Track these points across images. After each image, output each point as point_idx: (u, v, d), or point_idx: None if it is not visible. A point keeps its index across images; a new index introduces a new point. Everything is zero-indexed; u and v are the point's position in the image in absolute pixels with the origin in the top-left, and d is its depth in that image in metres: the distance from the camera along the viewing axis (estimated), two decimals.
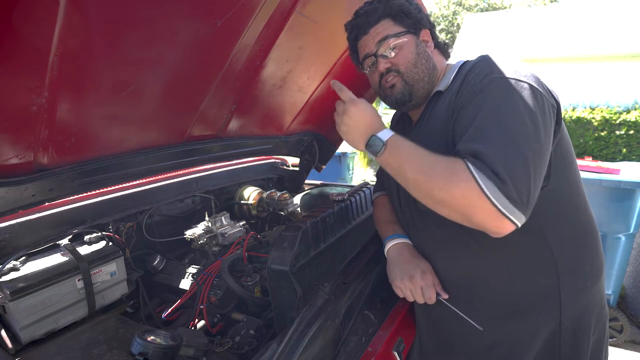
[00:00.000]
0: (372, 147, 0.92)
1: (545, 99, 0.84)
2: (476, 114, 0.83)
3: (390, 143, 0.90)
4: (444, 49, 1.11)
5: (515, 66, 0.88)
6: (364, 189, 1.55)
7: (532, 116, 0.80)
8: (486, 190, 0.74)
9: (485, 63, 0.91)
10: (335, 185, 2.36)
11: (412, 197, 1.09)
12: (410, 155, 0.87)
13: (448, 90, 0.98)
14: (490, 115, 0.81)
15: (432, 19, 1.10)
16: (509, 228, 0.77)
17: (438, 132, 0.96)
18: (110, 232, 1.54)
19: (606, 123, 7.66)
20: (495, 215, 0.75)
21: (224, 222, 1.71)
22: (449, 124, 0.92)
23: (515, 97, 0.81)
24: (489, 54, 0.95)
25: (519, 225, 0.77)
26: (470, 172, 0.76)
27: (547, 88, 0.87)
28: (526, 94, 0.82)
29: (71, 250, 1.25)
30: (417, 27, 1.03)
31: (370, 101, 2.08)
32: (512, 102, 0.81)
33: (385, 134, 0.91)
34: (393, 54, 1.01)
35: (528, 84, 0.84)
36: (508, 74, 0.85)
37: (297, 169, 2.45)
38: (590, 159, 2.98)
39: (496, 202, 0.74)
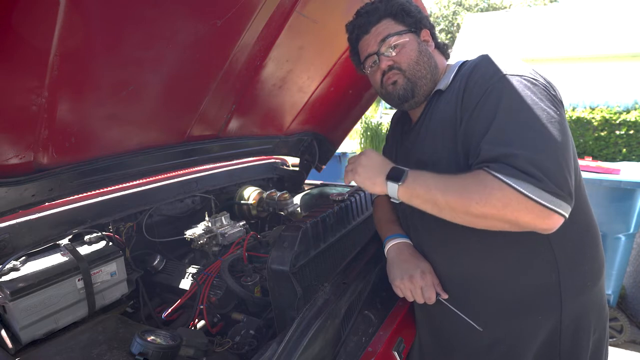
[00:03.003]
0: (394, 176, 0.91)
1: (555, 93, 0.86)
2: (493, 115, 0.83)
3: (410, 172, 0.91)
4: (443, 50, 1.12)
5: (518, 64, 0.89)
6: None
7: (549, 109, 0.81)
8: (524, 191, 0.74)
9: (489, 62, 0.91)
10: (335, 185, 2.36)
11: None
12: (434, 180, 0.87)
13: (449, 89, 0.99)
14: (508, 114, 0.81)
15: (432, 19, 1.10)
16: (558, 221, 0.77)
17: (442, 130, 0.96)
18: (110, 232, 1.54)
19: (606, 123, 7.66)
20: (543, 212, 0.75)
21: (224, 222, 1.71)
22: (456, 122, 0.92)
23: (529, 93, 0.82)
24: (489, 53, 0.95)
25: (567, 215, 0.77)
26: (499, 179, 0.76)
27: (553, 84, 0.89)
28: (537, 89, 0.84)
29: (71, 250, 1.25)
30: (417, 26, 1.04)
31: (371, 101, 2.10)
32: (526, 98, 0.81)
33: (403, 168, 0.92)
34: (394, 53, 1.01)
35: (536, 80, 0.86)
36: (515, 71, 0.86)
37: (297, 169, 2.45)
38: (590, 159, 2.98)
39: (539, 200, 0.74)
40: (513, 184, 0.75)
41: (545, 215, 0.75)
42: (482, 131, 0.83)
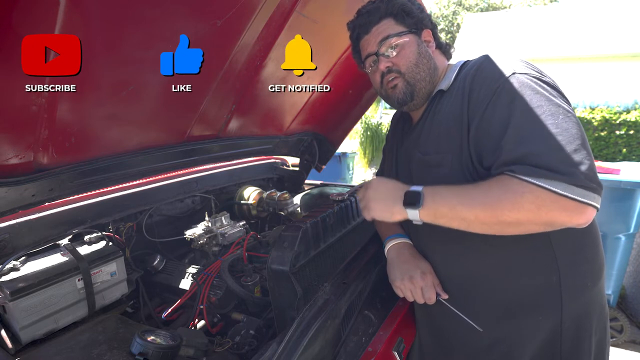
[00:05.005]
0: (411, 201, 0.88)
1: (559, 89, 0.87)
2: (507, 114, 0.82)
3: (427, 191, 0.87)
4: (445, 50, 1.11)
5: (523, 63, 0.90)
6: None
7: (563, 105, 0.81)
8: (556, 190, 0.73)
9: (493, 61, 0.91)
10: (335, 185, 2.36)
11: None
12: (455, 194, 0.84)
13: (451, 88, 0.98)
14: (524, 112, 0.80)
15: (432, 19, 1.10)
16: (592, 214, 0.76)
17: (446, 130, 0.95)
18: (110, 232, 1.54)
19: (606, 123, 7.66)
20: (578, 208, 0.74)
21: (224, 222, 1.71)
22: (462, 123, 0.91)
23: (540, 89, 0.83)
24: (489, 53, 0.95)
25: (599, 207, 0.76)
26: (528, 181, 0.75)
27: (555, 81, 0.90)
28: (547, 86, 0.84)
29: (71, 250, 1.25)
30: (418, 26, 1.03)
31: (371, 101, 2.10)
32: (539, 95, 0.82)
33: (417, 188, 0.89)
34: (394, 53, 1.01)
35: (543, 77, 0.86)
36: (522, 70, 0.87)
37: (297, 169, 2.45)
38: None
39: (573, 195, 0.73)
40: (543, 184, 0.74)
41: (581, 210, 0.74)
42: (499, 131, 0.82)
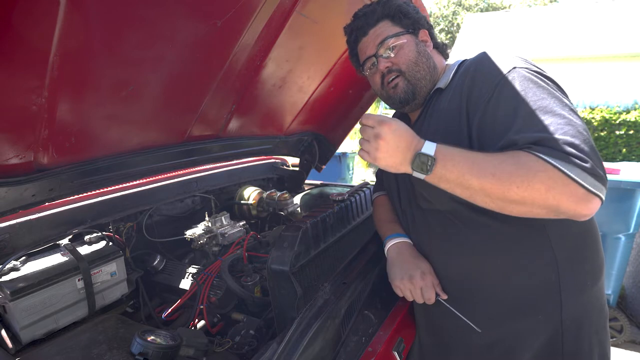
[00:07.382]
0: (420, 165, 0.82)
1: (559, 84, 0.88)
2: (513, 106, 0.82)
3: (440, 155, 0.81)
4: (442, 49, 1.12)
5: (521, 58, 0.91)
6: (364, 189, 1.55)
7: (563, 98, 0.82)
8: (571, 174, 0.72)
9: (493, 57, 0.92)
10: (335, 185, 2.36)
11: (412, 196, 1.09)
12: (467, 162, 0.79)
13: (449, 86, 0.99)
14: (531, 103, 0.80)
15: (432, 19, 1.10)
16: (597, 206, 0.74)
17: (445, 127, 0.95)
18: (110, 232, 1.54)
19: (606, 123, 7.66)
20: (586, 196, 0.73)
21: (224, 222, 1.71)
22: (461, 118, 0.91)
23: (542, 83, 0.83)
24: (487, 51, 0.95)
25: (604, 199, 0.75)
26: (545, 160, 0.73)
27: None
28: (548, 79, 0.85)
29: (71, 250, 1.25)
30: (415, 27, 1.04)
31: (371, 101, 2.10)
32: (542, 87, 0.82)
33: (430, 148, 0.82)
34: (393, 54, 1.02)
35: (542, 70, 0.87)
36: (522, 64, 0.87)
37: (297, 169, 2.45)
38: None
39: (584, 183, 0.72)
40: (560, 166, 0.72)
41: (588, 200, 0.73)
42: (506, 123, 0.82)
